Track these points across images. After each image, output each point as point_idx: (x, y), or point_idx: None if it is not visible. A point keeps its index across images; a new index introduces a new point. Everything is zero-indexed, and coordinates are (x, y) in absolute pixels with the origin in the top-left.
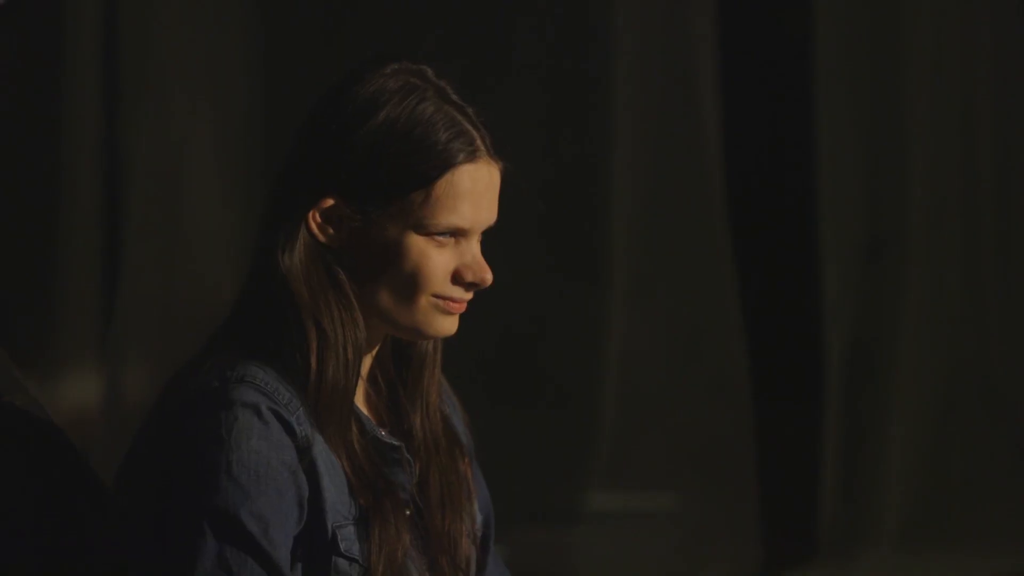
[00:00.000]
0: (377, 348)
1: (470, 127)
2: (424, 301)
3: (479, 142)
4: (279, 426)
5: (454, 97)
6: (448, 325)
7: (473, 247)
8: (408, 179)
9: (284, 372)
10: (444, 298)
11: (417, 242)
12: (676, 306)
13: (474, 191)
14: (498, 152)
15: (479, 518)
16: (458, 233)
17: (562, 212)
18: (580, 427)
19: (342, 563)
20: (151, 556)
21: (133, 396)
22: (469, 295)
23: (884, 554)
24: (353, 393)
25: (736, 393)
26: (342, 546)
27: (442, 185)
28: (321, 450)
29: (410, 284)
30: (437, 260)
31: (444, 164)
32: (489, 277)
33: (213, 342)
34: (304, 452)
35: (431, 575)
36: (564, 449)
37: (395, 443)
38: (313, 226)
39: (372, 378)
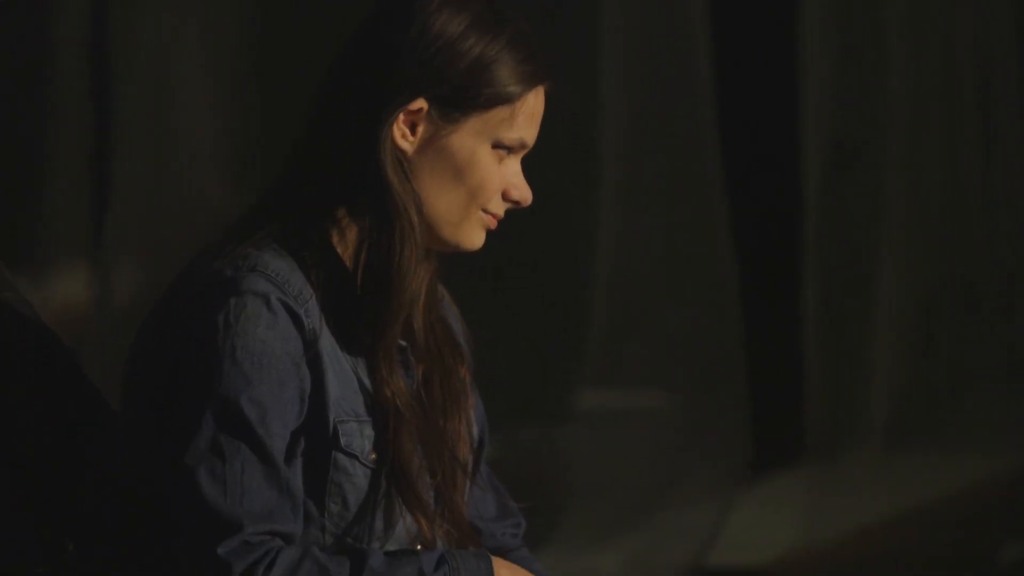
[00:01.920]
0: None
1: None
2: (476, 214)
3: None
4: (287, 317)
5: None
6: (481, 239)
7: (517, 166)
8: (500, 92)
9: (306, 266)
10: (491, 213)
11: (489, 154)
12: (666, 207)
13: (539, 111)
14: None
15: (475, 429)
16: (521, 149)
17: (554, 114)
18: (570, 326)
19: (342, 459)
20: (148, 441)
21: (123, 296)
22: (503, 214)
23: (869, 453)
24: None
25: (725, 294)
26: (343, 441)
27: (526, 102)
28: (327, 344)
29: (472, 195)
30: (499, 174)
31: (533, 81)
32: (530, 196)
33: (236, 228)
34: (310, 345)
35: (431, 475)
36: (554, 348)
37: (401, 344)
38: (396, 127)
39: None
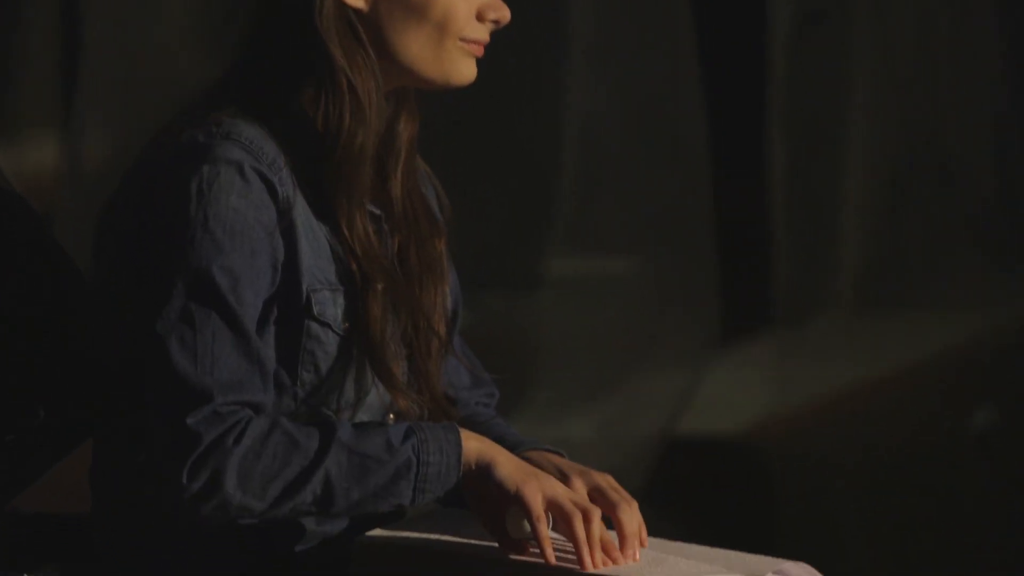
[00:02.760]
0: None
1: None
2: (452, 46)
3: None
4: (261, 185)
5: None
6: (471, 70)
7: None
8: None
9: (279, 131)
10: (470, 41)
11: None
12: (635, 70)
13: None
14: None
15: (450, 299)
16: None
17: None
18: (539, 192)
19: (315, 327)
20: (119, 309)
21: (94, 163)
22: (488, 38)
23: (839, 320)
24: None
25: (694, 158)
26: (316, 310)
27: None
28: (301, 212)
29: (441, 29)
30: (463, 1)
31: None
32: (508, 14)
33: (204, 98)
34: (284, 214)
35: (406, 345)
36: (523, 214)
37: (376, 212)
38: None
39: None
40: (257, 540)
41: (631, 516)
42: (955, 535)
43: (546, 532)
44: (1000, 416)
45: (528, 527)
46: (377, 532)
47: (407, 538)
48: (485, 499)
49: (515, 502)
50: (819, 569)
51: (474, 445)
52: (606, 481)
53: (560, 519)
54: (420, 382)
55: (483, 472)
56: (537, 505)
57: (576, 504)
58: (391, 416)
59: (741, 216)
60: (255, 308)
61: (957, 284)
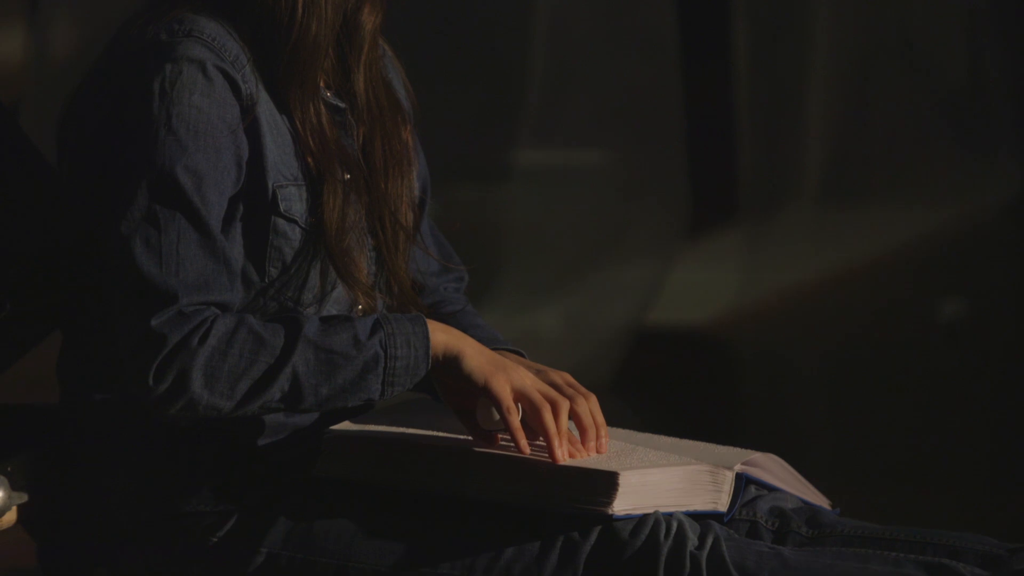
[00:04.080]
0: None
1: None
2: None
3: None
4: (224, 83)
5: None
6: None
7: None
8: None
9: (240, 27)
10: None
11: None
12: None
13: None
14: None
15: (417, 185)
16: None
17: None
18: (509, 85)
19: (281, 223)
20: (82, 212)
21: (59, 55)
22: None
23: (806, 210)
24: (327, 52)
25: (662, 49)
26: (282, 206)
27: None
28: (265, 109)
29: None
30: None
31: None
32: None
33: None
34: (247, 111)
35: (372, 236)
36: (492, 106)
37: (340, 105)
38: None
39: None
40: (226, 432)
41: (587, 410)
42: (922, 426)
43: (518, 423)
44: (968, 306)
45: (498, 418)
46: (346, 425)
47: (377, 431)
48: (454, 391)
49: (484, 394)
50: (786, 460)
51: (441, 338)
52: (563, 379)
53: (529, 410)
54: (388, 275)
55: (451, 364)
56: (507, 397)
57: (545, 395)
58: (359, 308)
59: (708, 108)
60: (220, 207)
61: (926, 173)
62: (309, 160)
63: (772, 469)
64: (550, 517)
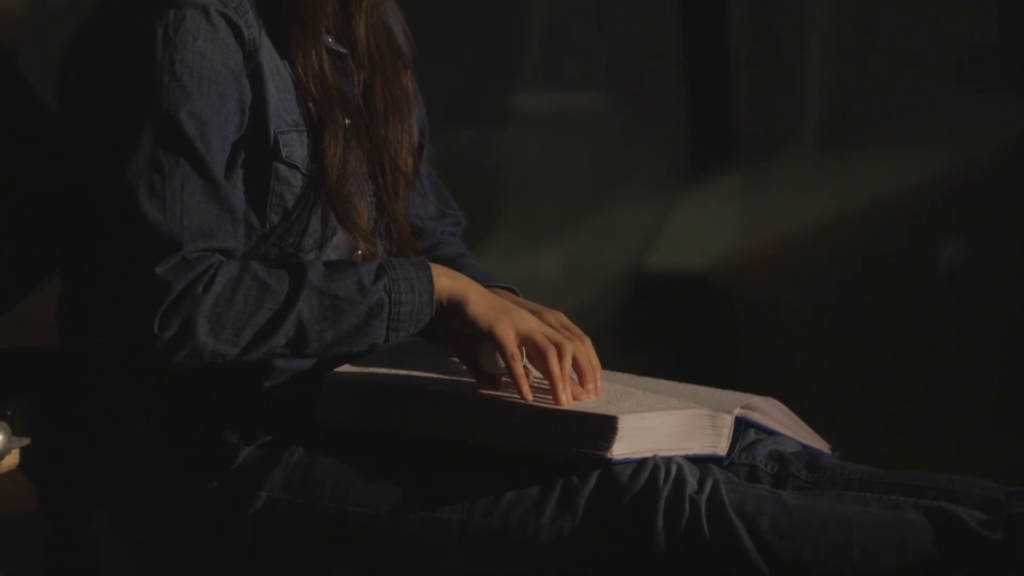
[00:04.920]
0: None
1: None
2: None
3: None
4: (227, 29)
5: None
6: None
7: None
8: None
9: None
10: None
11: None
12: None
13: None
14: None
15: (416, 130)
16: None
17: None
18: (509, 28)
19: (283, 169)
20: (82, 156)
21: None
22: None
23: (806, 154)
24: None
25: None
26: (284, 152)
27: None
28: (268, 55)
29: None
30: None
31: None
32: None
33: None
34: (250, 57)
35: (372, 182)
36: (491, 50)
37: (341, 51)
38: None
39: None
40: (226, 375)
41: (583, 352)
42: (922, 371)
43: (521, 370)
44: (969, 250)
45: (502, 363)
46: (347, 368)
47: (379, 374)
48: (458, 335)
49: (488, 339)
50: (785, 404)
51: (445, 282)
52: (557, 319)
53: (534, 354)
54: (387, 220)
55: (455, 310)
56: (511, 342)
57: (549, 339)
58: (359, 254)
59: (708, 52)
60: (223, 154)
61: (928, 115)
62: (310, 106)
63: (772, 413)
64: (549, 461)
